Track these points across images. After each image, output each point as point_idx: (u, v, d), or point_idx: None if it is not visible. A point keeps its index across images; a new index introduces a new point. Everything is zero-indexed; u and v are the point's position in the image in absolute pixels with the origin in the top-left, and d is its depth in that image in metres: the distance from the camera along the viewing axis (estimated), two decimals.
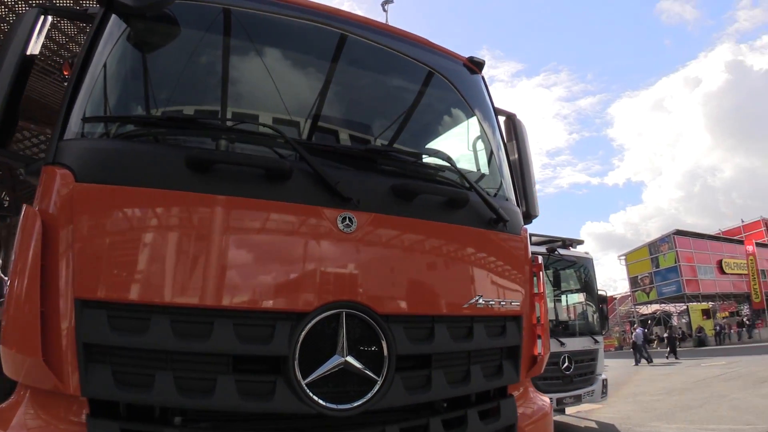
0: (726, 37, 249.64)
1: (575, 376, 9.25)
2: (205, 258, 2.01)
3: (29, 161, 2.37)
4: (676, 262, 46.20)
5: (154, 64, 2.51)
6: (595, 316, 10.86)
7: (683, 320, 48.69)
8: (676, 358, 27.51)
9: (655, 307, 51.48)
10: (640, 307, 52.68)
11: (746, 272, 47.45)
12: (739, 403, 10.68)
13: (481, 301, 2.58)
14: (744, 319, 45.12)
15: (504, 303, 2.71)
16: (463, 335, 2.50)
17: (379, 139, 2.98)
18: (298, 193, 2.17)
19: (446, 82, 3.15)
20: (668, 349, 29.42)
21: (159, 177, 2.02)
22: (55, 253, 1.89)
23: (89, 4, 9.53)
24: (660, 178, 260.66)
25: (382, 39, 2.93)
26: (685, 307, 47.88)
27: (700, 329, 41.01)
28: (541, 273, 3.05)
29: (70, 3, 9.60)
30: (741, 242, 50.90)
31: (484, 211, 2.71)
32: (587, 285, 11.13)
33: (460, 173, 2.74)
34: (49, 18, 2.52)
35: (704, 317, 44.34)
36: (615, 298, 51.77)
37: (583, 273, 11.19)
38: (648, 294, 49.57)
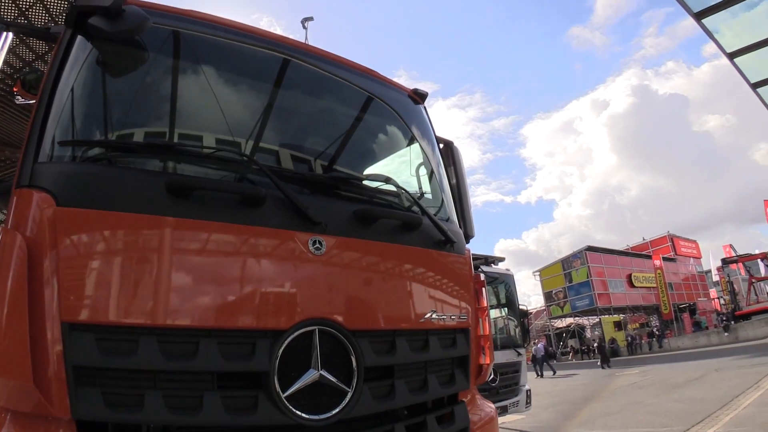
0: (633, 62, 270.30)
1: (501, 387, 9.40)
2: (187, 280, 2.10)
3: None
4: (588, 277, 48.50)
5: (127, 87, 2.56)
6: (517, 329, 11.25)
7: (596, 332, 51.15)
8: (609, 366, 28.68)
9: (569, 320, 53.85)
10: (555, 320, 54.99)
11: (654, 285, 50.48)
12: (654, 408, 11.07)
13: (434, 315, 2.80)
14: (654, 330, 47.82)
15: (454, 317, 2.94)
16: (420, 347, 2.69)
17: (337, 165, 3.16)
18: (271, 218, 2.31)
19: (394, 112, 3.37)
20: (600, 358, 30.70)
21: (140, 202, 2.07)
22: (39, 277, 1.88)
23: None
24: (570, 196, 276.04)
25: (339, 71, 3.15)
26: (597, 319, 50.39)
27: (613, 340, 43.13)
28: (483, 289, 3.26)
29: (44, 19, 8.78)
30: (649, 257, 54.36)
31: (434, 233, 2.94)
32: (509, 300, 11.54)
33: (413, 198, 2.99)
34: (10, 35, 2.57)
35: (616, 329, 46.78)
36: (531, 313, 53.79)
37: (505, 289, 11.55)
38: (562, 308, 51.73)
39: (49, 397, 1.80)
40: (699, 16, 9.64)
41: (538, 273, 54.46)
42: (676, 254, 55.40)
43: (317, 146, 3.18)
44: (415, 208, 2.96)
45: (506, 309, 11.51)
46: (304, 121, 3.18)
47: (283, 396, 2.08)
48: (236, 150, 2.64)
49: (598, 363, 30.20)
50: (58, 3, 8.41)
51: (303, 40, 9.24)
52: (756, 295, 40.18)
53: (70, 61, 2.31)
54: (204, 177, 2.37)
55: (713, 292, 56.72)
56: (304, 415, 2.12)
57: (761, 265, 41.68)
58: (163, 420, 1.90)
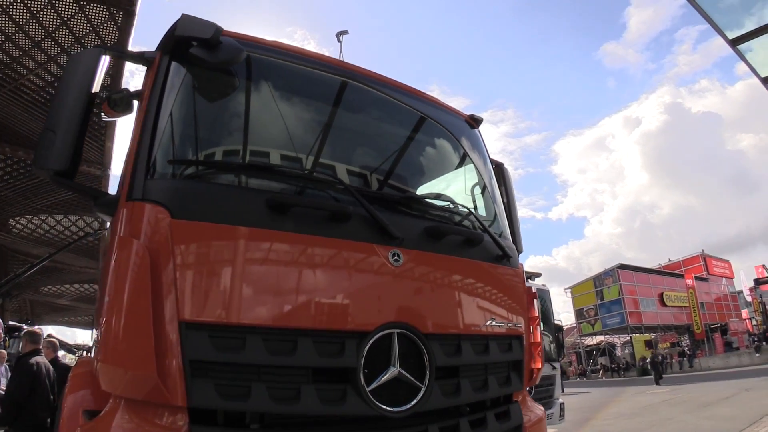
0: (666, 80, 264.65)
1: (536, 399, 9.66)
2: (286, 285, 2.35)
3: (97, 194, 2.55)
4: (619, 295, 48.06)
5: (220, 111, 2.83)
6: (552, 344, 11.30)
7: (627, 351, 50.35)
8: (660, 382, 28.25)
9: (599, 338, 53.11)
10: (586, 338, 54.22)
11: (686, 305, 49.71)
12: (684, 425, 11.34)
13: (494, 323, 3.09)
14: (685, 349, 47.05)
15: (510, 324, 3.21)
16: (481, 351, 2.96)
17: (408, 185, 3.50)
18: (358, 233, 2.59)
19: (454, 137, 3.71)
20: (653, 374, 30.18)
21: (243, 216, 2.33)
22: (158, 280, 2.11)
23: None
24: (601, 213, 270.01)
25: (407, 99, 3.46)
26: (628, 338, 49.57)
27: (644, 359, 42.56)
28: (534, 300, 3.58)
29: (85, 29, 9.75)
30: (681, 276, 53.46)
31: (493, 249, 3.24)
32: (544, 315, 11.58)
33: (475, 216, 3.29)
34: (108, 57, 2.75)
35: (647, 348, 46.07)
36: (564, 327, 53.23)
37: (541, 304, 11.73)
38: (593, 326, 51.19)
39: (168, 387, 2.02)
40: (734, 42, 9.73)
41: (570, 290, 54.08)
42: (708, 274, 54.47)
43: (390, 167, 3.39)
44: (477, 225, 3.25)
45: (542, 324, 11.66)
46: (378, 144, 3.45)
47: (367, 389, 2.35)
48: (325, 171, 2.91)
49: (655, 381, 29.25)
50: (97, 12, 9.41)
51: (338, 54, 9.51)
52: None
53: (169, 85, 2.53)
54: (298, 195, 2.62)
55: (745, 313, 55.33)
56: (385, 407, 2.38)
57: None
58: (267, 408, 2.15)
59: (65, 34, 9.85)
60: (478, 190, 3.69)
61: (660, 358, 41.43)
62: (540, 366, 3.59)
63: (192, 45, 2.53)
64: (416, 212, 3.05)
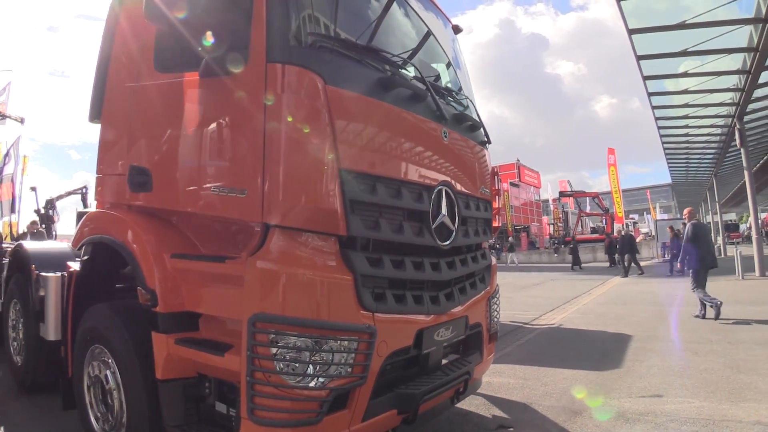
0: None
1: None
2: (396, 148, 3.12)
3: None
4: None
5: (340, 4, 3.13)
6: None
7: None
8: None
9: None
10: None
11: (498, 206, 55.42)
12: (513, 301, 13.51)
13: (483, 189, 4.22)
14: (495, 244, 53.61)
15: (487, 191, 4.31)
16: (476, 208, 4.02)
17: (438, 75, 4.18)
18: (425, 111, 3.37)
19: (452, 40, 4.50)
20: None
21: (367, 88, 2.93)
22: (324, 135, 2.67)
23: None
24: None
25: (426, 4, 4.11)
26: None
27: None
28: (495, 177, 4.70)
29: None
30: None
31: (481, 135, 4.31)
32: None
33: (474, 108, 4.29)
34: None
35: None
36: None
37: None
38: None
39: (333, 220, 2.64)
40: None
41: None
42: (520, 181, 60.20)
43: (428, 60, 4.07)
44: (476, 114, 4.25)
45: None
46: (417, 44, 3.85)
47: (432, 227, 3.28)
48: (403, 61, 3.42)
49: None
50: None
51: None
52: (581, 227, 46.79)
53: None
54: (397, 77, 3.19)
55: (545, 219, 64.31)
56: (439, 241, 3.35)
57: (588, 202, 47.87)
58: (388, 237, 2.92)
59: None
60: (468, 85, 4.48)
61: None
62: (498, 225, 4.63)
63: None
64: (450, 100, 3.90)
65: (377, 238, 2.86)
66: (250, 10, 2.73)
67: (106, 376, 3.25)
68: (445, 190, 3.44)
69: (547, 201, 63.65)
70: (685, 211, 10.68)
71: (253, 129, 2.65)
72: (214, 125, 2.94)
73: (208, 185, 2.89)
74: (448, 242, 3.42)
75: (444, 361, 3.65)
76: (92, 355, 3.43)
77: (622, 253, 22.04)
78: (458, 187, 3.65)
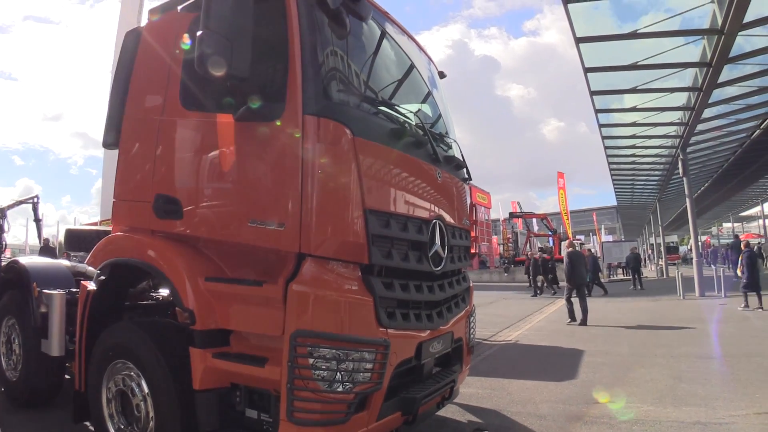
0: (461, 18, 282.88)
1: None
2: (404, 189, 3.63)
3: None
4: None
5: (357, 56, 3.68)
6: None
7: None
8: None
9: None
10: None
11: None
12: None
13: (465, 221, 4.77)
14: None
15: (467, 222, 4.85)
16: (460, 237, 4.52)
17: (437, 125, 4.66)
18: (424, 154, 3.91)
19: (439, 84, 5.05)
20: None
21: (382, 137, 3.42)
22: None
23: None
24: None
25: (417, 49, 4.75)
26: None
27: None
28: (474, 207, 5.65)
29: None
30: None
31: (464, 173, 4.86)
32: None
33: (458, 147, 4.85)
34: None
35: None
36: None
37: None
38: None
39: (360, 251, 3.12)
40: (567, 0, 11.18)
41: None
42: (472, 201, 62.23)
43: (425, 108, 4.60)
44: (461, 154, 4.83)
45: None
46: (419, 91, 4.59)
47: (429, 255, 3.78)
48: (408, 111, 3.94)
49: None
50: None
51: None
52: (530, 247, 48.29)
53: (315, 25, 3.19)
54: (405, 127, 3.72)
55: (495, 239, 65.94)
56: (433, 267, 3.83)
57: (535, 223, 49.61)
58: (398, 264, 3.39)
59: None
60: (452, 126, 5.02)
61: None
62: (475, 252, 5.25)
63: None
64: (441, 143, 4.44)
65: (389, 266, 3.33)
66: (286, 70, 3.14)
67: (131, 388, 3.49)
68: (439, 223, 3.95)
69: (497, 221, 65.25)
70: (566, 242, 12.81)
71: (290, 171, 3.04)
72: (250, 166, 3.29)
73: (244, 218, 3.23)
74: (440, 268, 3.92)
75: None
76: (113, 370, 3.64)
77: (594, 272, 22.00)
78: (447, 219, 4.17)
